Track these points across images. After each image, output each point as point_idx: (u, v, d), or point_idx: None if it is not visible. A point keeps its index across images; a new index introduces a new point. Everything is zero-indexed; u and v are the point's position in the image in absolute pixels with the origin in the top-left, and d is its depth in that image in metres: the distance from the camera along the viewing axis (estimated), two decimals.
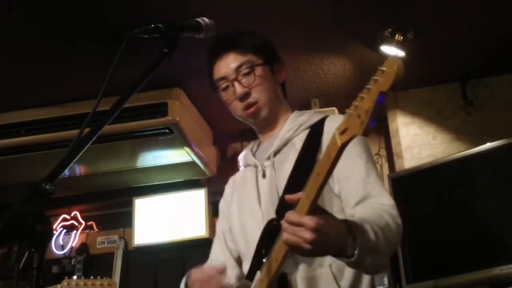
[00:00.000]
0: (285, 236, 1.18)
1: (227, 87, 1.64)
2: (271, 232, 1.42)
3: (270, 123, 1.69)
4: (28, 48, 3.07)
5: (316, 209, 1.17)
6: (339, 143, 1.07)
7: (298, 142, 1.60)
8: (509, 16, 3.10)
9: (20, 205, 0.99)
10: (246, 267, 1.60)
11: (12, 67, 3.24)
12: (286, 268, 1.43)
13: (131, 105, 3.32)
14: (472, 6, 3.00)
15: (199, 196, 4.10)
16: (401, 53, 3.24)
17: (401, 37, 3.15)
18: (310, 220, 1.13)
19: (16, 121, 3.59)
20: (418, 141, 3.71)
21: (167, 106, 3.45)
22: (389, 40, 3.18)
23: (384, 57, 3.28)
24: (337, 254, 1.22)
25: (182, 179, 4.20)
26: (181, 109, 3.51)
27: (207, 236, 3.96)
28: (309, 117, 1.66)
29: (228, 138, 4.27)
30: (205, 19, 1.39)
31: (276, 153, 1.63)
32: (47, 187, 1.00)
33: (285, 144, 1.63)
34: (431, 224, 2.91)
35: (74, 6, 2.78)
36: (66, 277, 2.75)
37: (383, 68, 0.95)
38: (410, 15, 3.05)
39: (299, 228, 1.14)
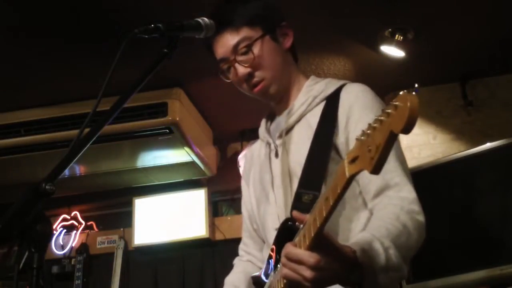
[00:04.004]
0: (283, 271, 1.10)
1: (229, 68, 1.51)
2: (286, 233, 1.32)
3: (283, 97, 1.56)
4: (28, 48, 3.07)
5: (321, 238, 1.04)
6: (347, 174, 0.93)
7: (312, 118, 1.46)
8: (509, 16, 3.10)
9: (20, 205, 0.99)
10: (265, 255, 1.51)
11: (11, 67, 3.24)
12: None
13: (131, 105, 3.32)
14: (472, 6, 3.00)
15: (199, 196, 4.10)
16: (401, 53, 3.24)
17: (401, 37, 3.15)
18: (310, 258, 1.04)
19: (16, 121, 3.60)
20: (418, 141, 3.71)
21: (167, 106, 3.46)
22: (389, 40, 3.18)
23: (384, 57, 3.31)
24: (342, 283, 1.13)
25: (182, 179, 4.20)
26: (181, 109, 3.51)
27: (207, 236, 3.97)
28: (325, 86, 1.51)
29: (228, 138, 4.27)
30: (205, 19, 1.37)
31: (288, 131, 1.50)
32: (47, 187, 1.00)
33: (297, 120, 1.49)
34: (431, 224, 2.90)
35: (74, 6, 2.78)
36: None
37: (396, 103, 0.81)
38: (410, 15, 3.05)
39: (299, 265, 1.06)
